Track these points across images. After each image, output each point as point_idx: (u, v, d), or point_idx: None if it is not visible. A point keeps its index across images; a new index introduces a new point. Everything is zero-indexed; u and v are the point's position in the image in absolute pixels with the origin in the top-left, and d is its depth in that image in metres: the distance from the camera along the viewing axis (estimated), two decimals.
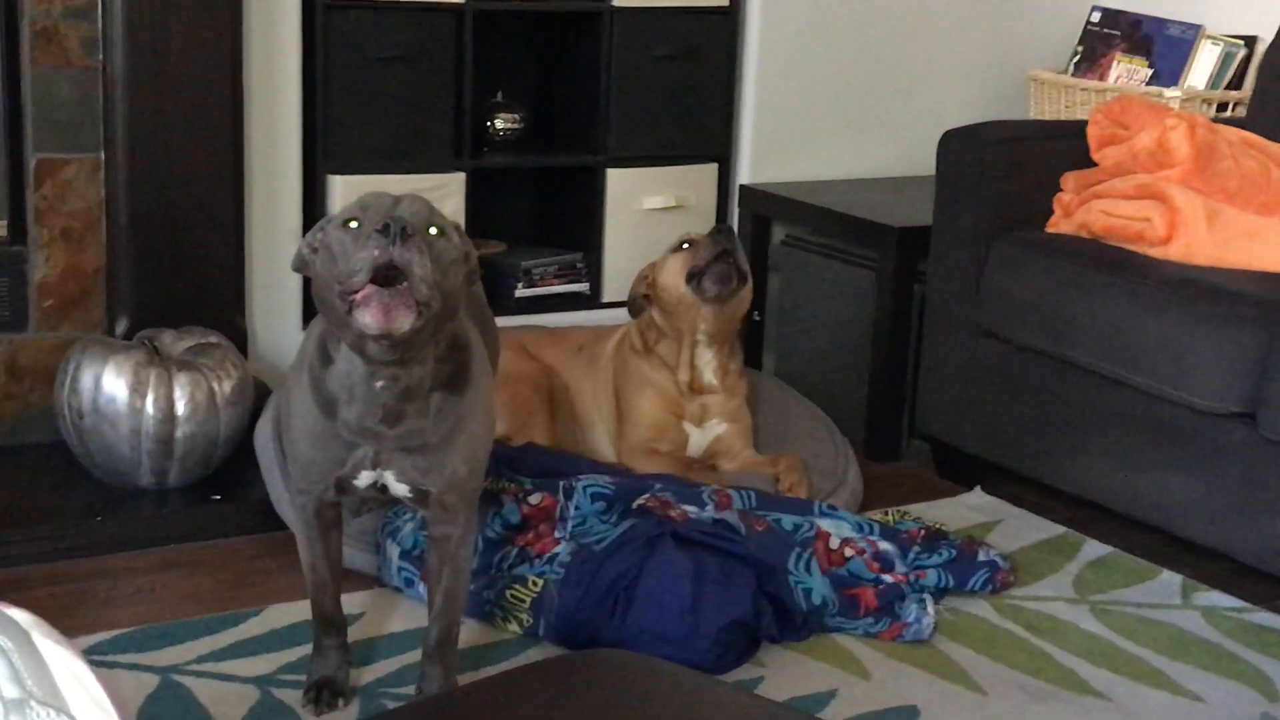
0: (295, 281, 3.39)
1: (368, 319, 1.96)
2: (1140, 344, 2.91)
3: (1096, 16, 4.10)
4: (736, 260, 3.09)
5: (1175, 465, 2.90)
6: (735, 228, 3.96)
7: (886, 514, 3.03)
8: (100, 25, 3.06)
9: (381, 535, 2.75)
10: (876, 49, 4.11)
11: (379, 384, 2.07)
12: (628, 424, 3.17)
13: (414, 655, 2.44)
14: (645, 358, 3.19)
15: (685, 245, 3.14)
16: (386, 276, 1.95)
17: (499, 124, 3.76)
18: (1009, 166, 3.28)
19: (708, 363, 3.17)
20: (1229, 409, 2.80)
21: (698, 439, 3.19)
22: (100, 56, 3.07)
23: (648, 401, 3.17)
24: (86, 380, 2.91)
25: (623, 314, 3.48)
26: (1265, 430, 2.75)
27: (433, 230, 2.01)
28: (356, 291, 1.96)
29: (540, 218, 4.02)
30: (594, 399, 3.25)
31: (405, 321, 1.96)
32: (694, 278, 3.09)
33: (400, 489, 2.19)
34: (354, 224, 1.99)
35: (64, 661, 0.92)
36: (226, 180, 3.19)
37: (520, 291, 3.73)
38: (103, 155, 3.12)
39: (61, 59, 3.06)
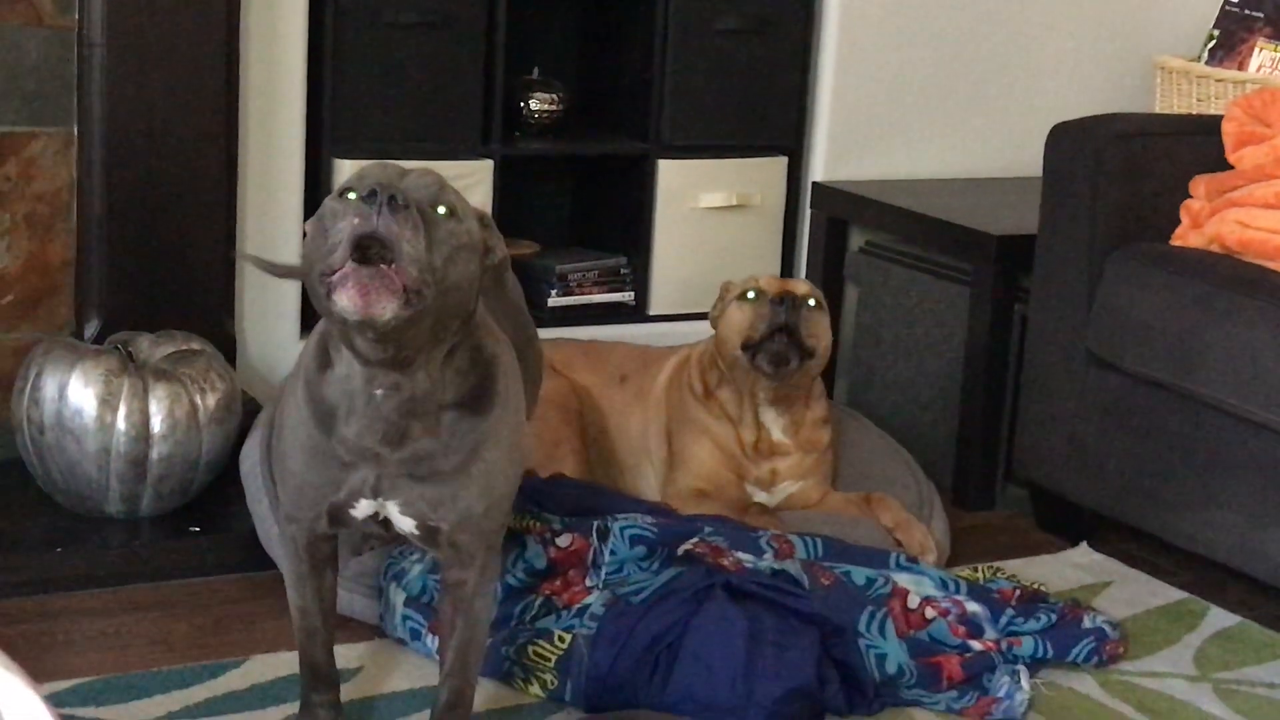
0: (292, 282, 3.40)
1: (344, 302, 1.92)
2: None
3: None
4: (799, 337, 3.08)
5: None
6: (807, 233, 3.96)
7: (976, 570, 3.01)
8: None
9: (384, 578, 2.75)
10: (977, 28, 4.10)
11: (378, 392, 2.06)
12: (680, 470, 3.16)
13: (419, 719, 2.43)
14: (704, 403, 3.18)
15: (751, 294, 3.14)
16: (370, 253, 1.92)
17: (534, 104, 3.77)
18: (1129, 168, 3.26)
19: (774, 420, 3.17)
20: None
21: (764, 499, 3.18)
22: (76, 15, 3.10)
23: (705, 452, 3.16)
24: (49, 389, 2.92)
25: (673, 329, 3.48)
26: None
27: (440, 209, 1.99)
28: (336, 270, 1.94)
29: (579, 215, 4.03)
30: (642, 439, 3.23)
31: (387, 307, 1.92)
32: (749, 348, 3.10)
33: (405, 523, 2.19)
34: (350, 194, 1.97)
35: (21, 706, 0.92)
36: (217, 162, 3.21)
37: (554, 299, 3.74)
38: (75, 130, 3.15)
39: (31, 17, 3.09)
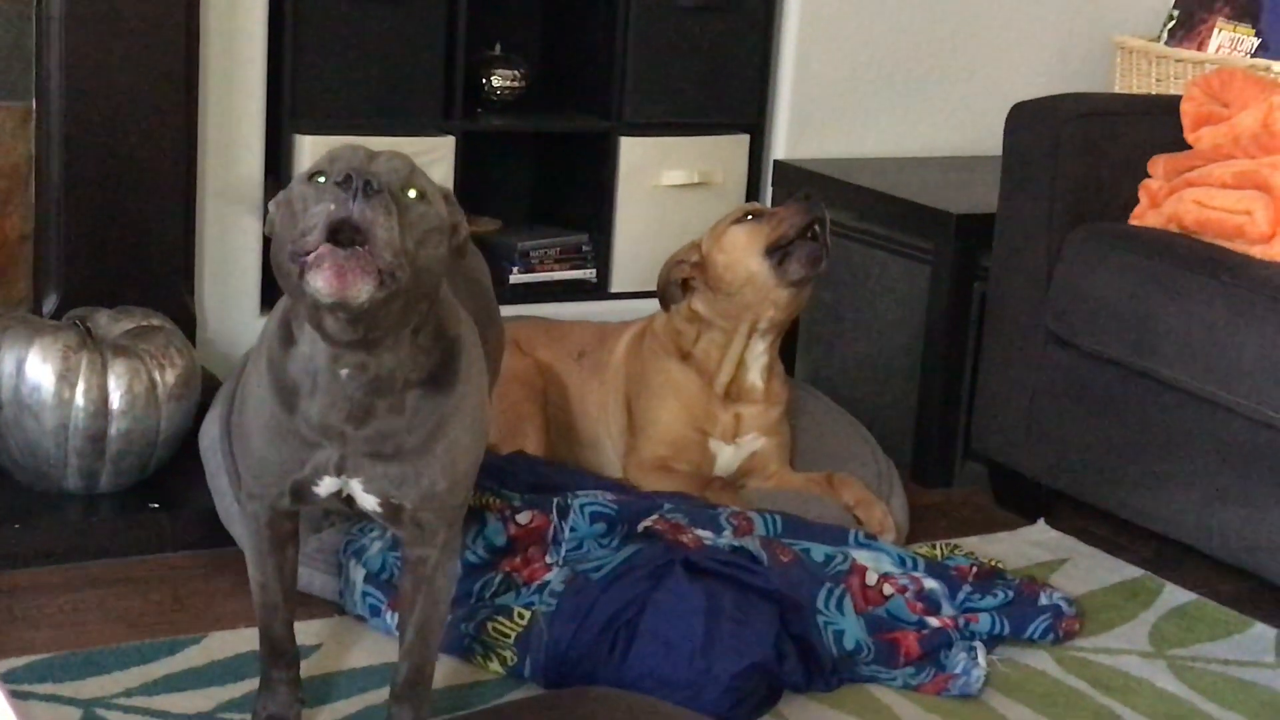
0: (252, 258, 3.40)
1: (319, 283, 1.93)
2: (1237, 357, 2.90)
3: None
4: (825, 235, 3.11)
5: (1274, 501, 2.89)
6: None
7: (934, 547, 3.02)
8: None
9: (344, 555, 2.75)
10: (938, 6, 4.11)
11: (343, 372, 2.06)
12: (641, 438, 3.16)
13: (379, 695, 2.43)
14: (674, 359, 3.18)
15: (751, 217, 3.15)
16: (344, 237, 1.93)
17: (496, 81, 3.76)
18: (1088, 147, 3.27)
19: (758, 358, 3.17)
20: None
21: (728, 458, 3.18)
22: None
23: (669, 414, 3.16)
24: (7, 365, 2.91)
25: (633, 307, 3.48)
26: None
27: (411, 192, 2.00)
28: (309, 252, 1.94)
29: (541, 192, 4.02)
30: (600, 413, 3.24)
31: (362, 289, 1.93)
32: (776, 253, 3.10)
33: (368, 501, 2.19)
34: (320, 178, 1.98)
35: None
36: (177, 137, 3.19)
37: (516, 276, 3.74)
38: (34, 104, 3.13)
39: None
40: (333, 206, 1.92)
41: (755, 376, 3.19)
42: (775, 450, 3.22)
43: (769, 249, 3.10)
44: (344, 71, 3.48)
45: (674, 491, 2.99)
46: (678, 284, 3.18)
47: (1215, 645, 2.86)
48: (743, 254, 3.12)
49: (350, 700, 2.46)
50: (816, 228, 3.09)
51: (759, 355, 3.18)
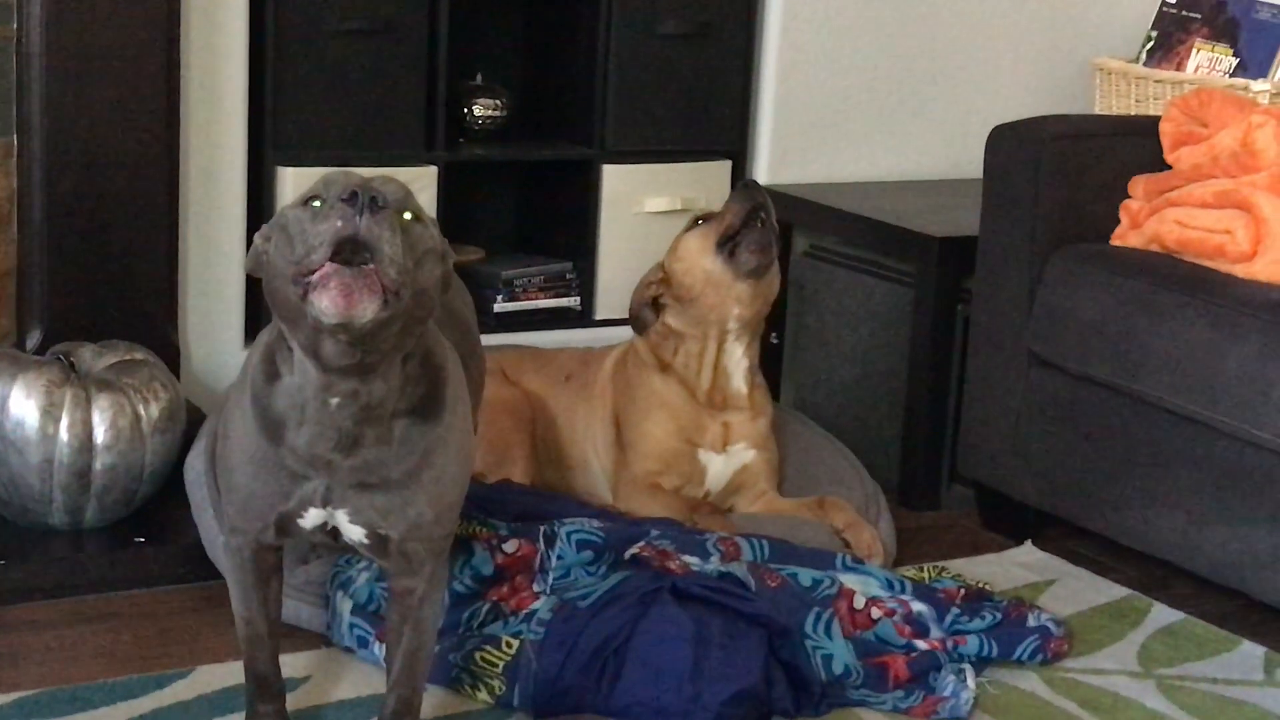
0: (236, 291, 3.40)
1: (325, 302, 1.92)
2: (1220, 376, 2.91)
3: None
4: (770, 220, 3.12)
5: (1260, 519, 2.89)
6: None
7: (922, 570, 3.02)
8: None
9: (331, 586, 2.74)
10: (918, 31, 4.12)
11: (334, 401, 2.05)
12: (631, 453, 3.17)
13: None
14: (658, 373, 3.19)
15: (701, 221, 3.19)
16: (350, 255, 1.92)
17: (478, 110, 3.76)
18: (1069, 168, 3.28)
19: (738, 363, 3.19)
20: None
21: (718, 469, 3.19)
22: (14, 25, 3.08)
23: (658, 426, 3.16)
24: None
25: (618, 334, 3.48)
26: None
27: (407, 214, 2.00)
28: (314, 271, 1.93)
29: (524, 221, 4.03)
30: (587, 434, 3.24)
31: (369, 308, 1.93)
32: (726, 244, 3.12)
33: (355, 533, 2.19)
34: (316, 202, 1.97)
35: None
36: (159, 171, 3.19)
37: (500, 305, 3.74)
38: (15, 139, 3.12)
39: None
40: (339, 223, 1.92)
41: (739, 382, 3.20)
42: (764, 466, 3.22)
43: (719, 244, 3.13)
44: (325, 103, 3.48)
45: (661, 517, 2.99)
46: (648, 305, 3.20)
47: (1203, 664, 2.86)
48: (696, 256, 3.15)
49: None
50: (762, 215, 3.11)
51: (738, 360, 3.19)
